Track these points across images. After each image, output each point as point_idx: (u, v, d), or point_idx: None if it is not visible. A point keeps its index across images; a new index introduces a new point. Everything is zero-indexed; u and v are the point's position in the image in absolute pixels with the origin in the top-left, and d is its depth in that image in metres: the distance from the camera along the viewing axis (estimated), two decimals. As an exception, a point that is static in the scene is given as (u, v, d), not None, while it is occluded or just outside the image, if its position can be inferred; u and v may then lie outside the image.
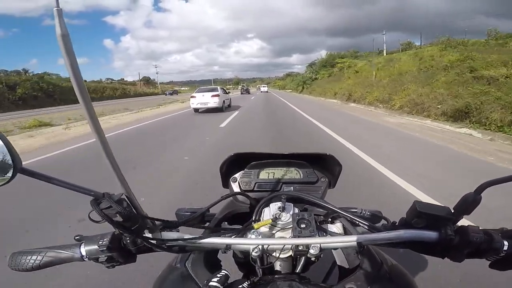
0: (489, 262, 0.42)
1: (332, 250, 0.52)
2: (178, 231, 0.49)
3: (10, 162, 0.33)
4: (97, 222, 0.39)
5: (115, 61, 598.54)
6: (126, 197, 0.40)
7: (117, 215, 0.38)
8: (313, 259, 0.46)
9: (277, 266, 0.49)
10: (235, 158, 0.68)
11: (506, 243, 0.40)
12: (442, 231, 0.41)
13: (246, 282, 0.41)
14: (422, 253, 0.45)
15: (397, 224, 0.46)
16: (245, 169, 0.70)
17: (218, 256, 0.54)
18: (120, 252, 0.45)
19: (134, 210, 0.41)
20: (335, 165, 0.67)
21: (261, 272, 0.49)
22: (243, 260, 0.51)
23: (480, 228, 0.41)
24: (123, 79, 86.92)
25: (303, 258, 0.47)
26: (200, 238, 0.45)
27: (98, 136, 0.33)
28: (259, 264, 0.46)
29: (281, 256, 0.45)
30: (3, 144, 0.33)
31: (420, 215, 0.42)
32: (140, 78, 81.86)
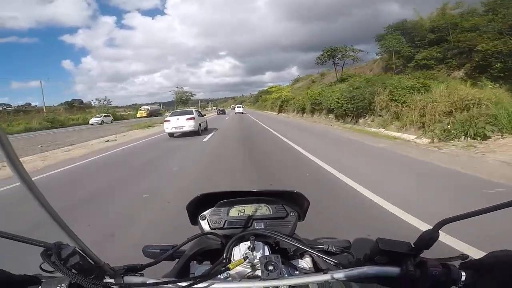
0: None
1: None
2: (143, 274, 0.49)
3: None
4: (50, 272, 0.40)
5: (77, 84, 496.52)
6: (79, 249, 0.40)
7: (69, 267, 0.38)
8: None
9: None
10: (202, 198, 0.69)
11: (463, 273, 0.42)
12: (403, 267, 0.43)
13: None
14: (386, 286, 0.46)
15: (361, 259, 0.48)
16: (214, 207, 0.70)
17: None
18: None
19: (90, 260, 0.41)
20: (302, 200, 0.70)
21: None
22: None
23: (439, 259, 0.44)
24: (30, 103, 63.76)
25: None
26: (166, 283, 0.44)
27: (24, 183, 0.30)
28: None
29: None
30: None
31: (382, 252, 0.44)
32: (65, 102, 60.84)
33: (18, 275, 0.42)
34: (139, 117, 48.54)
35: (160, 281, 0.44)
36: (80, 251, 0.40)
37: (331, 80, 30.14)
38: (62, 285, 0.42)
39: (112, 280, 0.44)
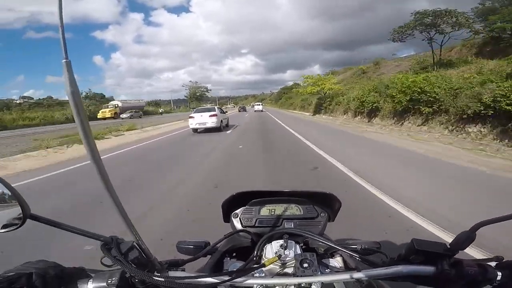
0: None
1: None
2: (184, 269, 0.52)
3: (19, 209, 0.35)
4: (108, 266, 0.42)
5: (106, 79, 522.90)
6: (136, 244, 0.43)
7: (129, 262, 0.42)
8: None
9: None
10: (237, 196, 0.73)
11: (499, 273, 0.42)
12: (438, 266, 0.43)
13: None
14: (420, 284, 0.46)
15: (395, 259, 0.48)
16: (247, 206, 0.74)
17: None
18: None
19: (144, 255, 0.44)
20: (335, 202, 0.72)
21: None
22: None
23: (474, 260, 0.44)
24: (51, 97, 55.86)
25: None
26: (205, 276, 0.46)
27: (101, 178, 0.34)
28: None
29: None
30: (10, 193, 0.35)
31: (418, 252, 0.44)
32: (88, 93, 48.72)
33: (69, 268, 0.43)
34: (102, 119, 30.04)
35: (203, 274, 0.47)
36: (137, 246, 0.43)
37: (393, 70, 21.06)
38: (113, 279, 0.42)
39: (160, 275, 0.45)
